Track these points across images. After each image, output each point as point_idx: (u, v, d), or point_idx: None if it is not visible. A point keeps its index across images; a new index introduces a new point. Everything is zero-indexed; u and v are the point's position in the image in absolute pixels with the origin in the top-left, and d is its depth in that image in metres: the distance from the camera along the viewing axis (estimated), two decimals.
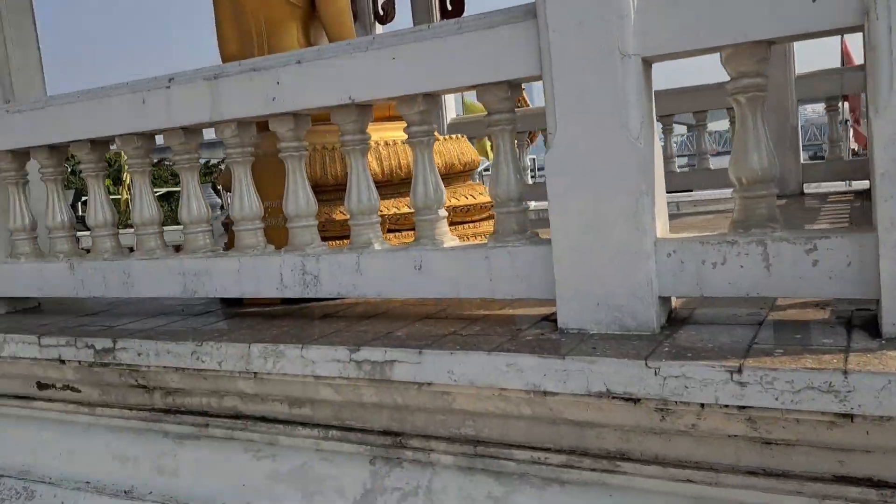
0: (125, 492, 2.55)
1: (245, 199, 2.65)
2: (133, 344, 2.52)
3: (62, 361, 2.71)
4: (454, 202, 2.97)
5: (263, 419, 2.51)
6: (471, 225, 3.12)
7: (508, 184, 2.16)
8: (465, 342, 2.00)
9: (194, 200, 2.77)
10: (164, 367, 2.49)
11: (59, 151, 3.09)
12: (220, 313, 2.91)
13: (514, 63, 2.05)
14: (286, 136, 2.52)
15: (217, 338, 2.40)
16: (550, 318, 2.19)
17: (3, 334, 2.82)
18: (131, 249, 3.03)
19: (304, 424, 2.43)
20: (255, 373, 2.30)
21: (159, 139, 2.92)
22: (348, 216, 2.50)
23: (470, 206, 3.06)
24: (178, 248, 2.93)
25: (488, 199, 3.21)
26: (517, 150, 2.21)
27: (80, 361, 2.67)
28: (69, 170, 4.05)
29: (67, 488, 2.65)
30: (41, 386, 3.03)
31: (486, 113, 2.21)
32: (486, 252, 2.15)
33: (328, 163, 3.02)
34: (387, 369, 2.04)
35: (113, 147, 3.04)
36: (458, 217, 3.03)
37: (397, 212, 3.00)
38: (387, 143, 3.04)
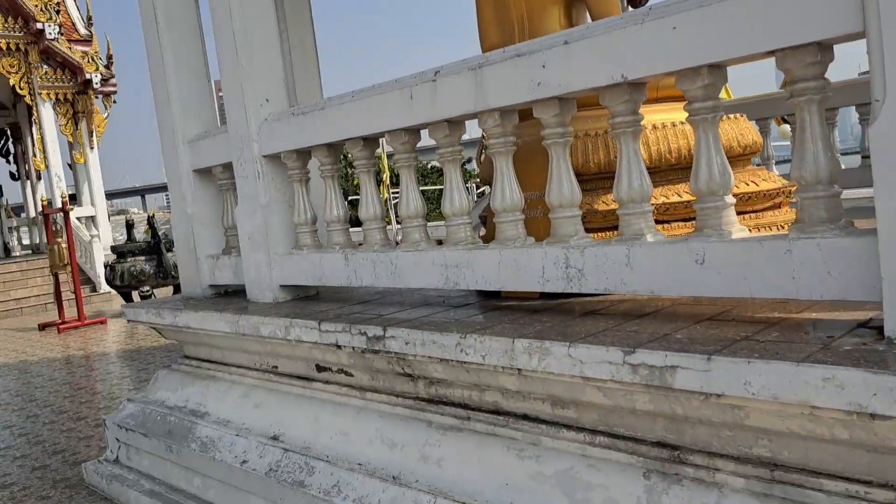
0: (393, 477, 2.62)
1: (507, 191, 2.59)
2: (401, 333, 2.58)
3: (338, 346, 2.87)
4: (734, 189, 2.63)
5: (525, 417, 2.43)
6: (752, 216, 2.76)
7: (817, 163, 1.82)
8: (764, 350, 1.72)
9: (456, 193, 2.77)
10: (429, 357, 2.51)
11: (335, 149, 3.29)
12: (479, 305, 2.88)
13: (827, 19, 1.71)
14: (551, 122, 2.40)
15: (480, 330, 2.36)
16: (870, 325, 1.82)
17: (289, 319, 3.06)
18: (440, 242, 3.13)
19: (568, 427, 2.30)
20: (518, 369, 2.22)
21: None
22: (613, 205, 2.33)
23: (752, 193, 2.71)
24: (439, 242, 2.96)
25: (773, 185, 2.82)
26: (826, 126, 1.86)
27: (353, 347, 2.80)
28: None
29: (342, 468, 2.80)
30: (319, 368, 3.26)
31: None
32: (787, 244, 1.83)
33: (590, 150, 2.85)
34: (667, 375, 1.83)
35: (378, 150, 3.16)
36: (738, 206, 2.69)
37: (666, 201, 2.75)
38: (655, 127, 2.80)
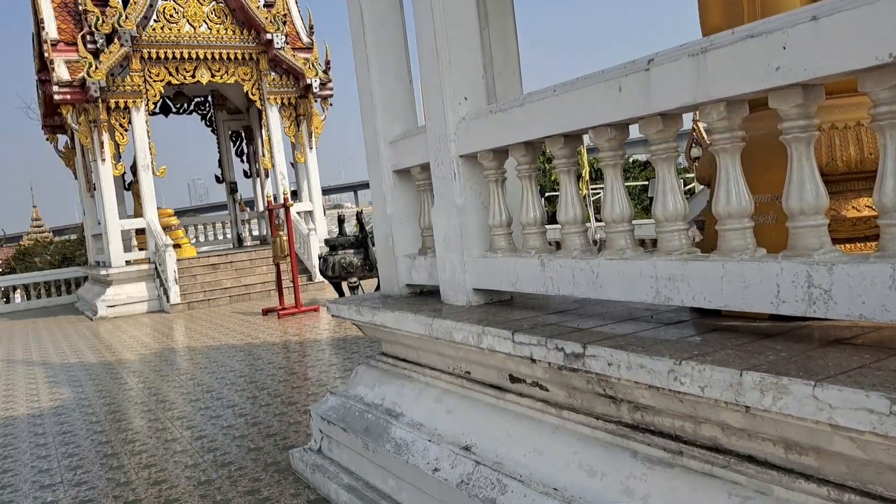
0: None
1: (733, 193, 2.24)
2: (603, 352, 2.33)
3: (533, 360, 2.68)
4: None
5: (751, 459, 2.08)
6: None
7: None
8: None
9: (670, 195, 2.46)
10: (636, 382, 2.23)
11: (533, 148, 3.11)
12: (694, 324, 2.54)
13: None
14: (791, 114, 2.02)
15: (699, 357, 2.04)
16: None
17: (482, 327, 2.93)
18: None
19: (807, 477, 1.92)
20: (746, 406, 1.88)
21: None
22: (867, 212, 1.90)
23: None
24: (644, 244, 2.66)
25: None
26: None
27: (549, 363, 2.60)
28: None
29: (536, 490, 2.61)
30: (513, 379, 3.10)
31: None
32: None
33: (838, 145, 2.40)
34: None
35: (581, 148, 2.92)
36: None
37: None
38: None
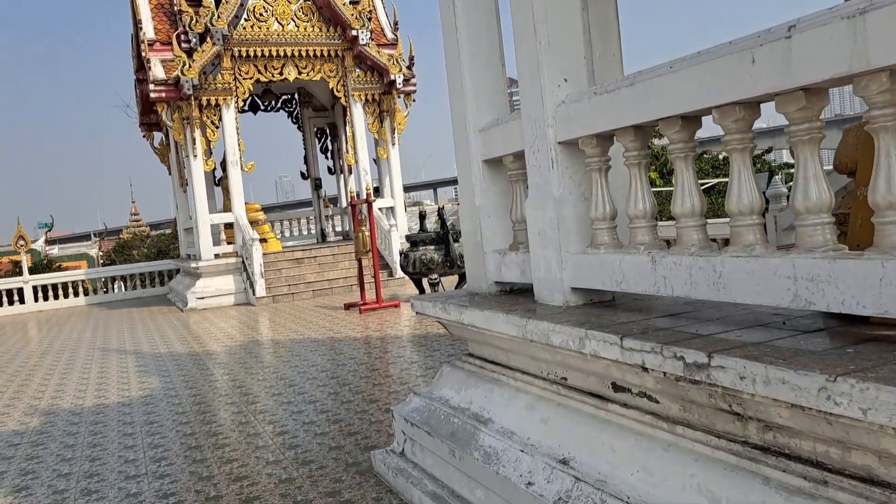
0: None
1: (895, 180, 1.88)
2: (733, 364, 2.01)
3: (644, 369, 2.38)
4: None
5: None
6: None
7: None
8: None
9: (813, 183, 2.11)
10: (774, 399, 1.91)
11: (643, 133, 2.80)
12: (839, 334, 2.19)
13: None
14: None
15: (858, 374, 1.71)
16: None
17: (584, 330, 2.65)
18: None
19: None
20: None
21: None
22: None
23: None
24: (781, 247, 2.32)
25: None
26: None
27: (664, 373, 2.30)
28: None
29: None
30: (616, 388, 2.81)
31: None
32: None
33: None
34: None
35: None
36: None
37: None
38: None
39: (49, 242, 41.80)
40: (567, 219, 3.17)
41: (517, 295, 3.78)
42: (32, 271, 23.02)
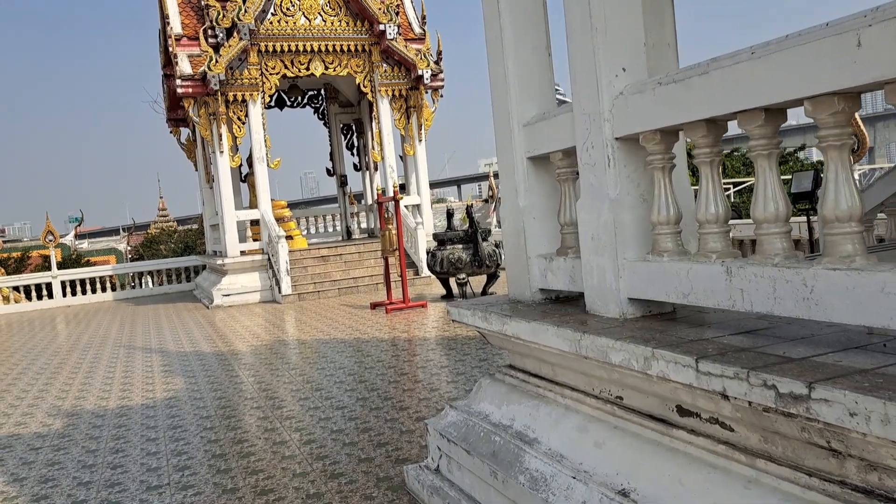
0: None
1: None
2: (841, 397, 1.72)
3: (725, 397, 2.09)
4: None
5: None
6: None
7: None
8: None
9: None
10: (894, 441, 1.62)
11: (717, 127, 2.50)
12: None
13: None
14: None
15: None
16: None
17: (650, 349, 2.36)
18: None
19: None
20: None
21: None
22: None
23: None
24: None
25: None
26: None
27: (749, 402, 2.01)
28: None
29: None
30: (682, 412, 2.52)
31: None
32: None
33: None
34: None
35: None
36: None
37: None
38: None
39: (79, 237, 42.27)
40: (624, 223, 2.88)
41: (564, 304, 3.50)
42: (62, 266, 23.19)
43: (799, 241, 10.50)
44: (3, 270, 22.18)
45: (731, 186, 20.64)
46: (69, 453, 5.46)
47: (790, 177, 11.49)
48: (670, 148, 2.75)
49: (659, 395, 2.58)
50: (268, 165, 17.05)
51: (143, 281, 22.59)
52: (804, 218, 9.69)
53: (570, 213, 3.37)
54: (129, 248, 38.63)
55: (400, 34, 17.46)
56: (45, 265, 23.41)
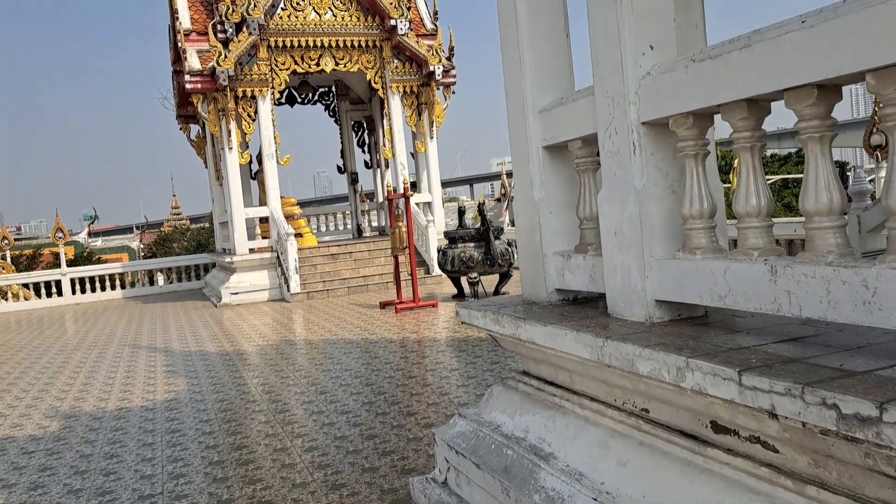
0: None
1: None
2: None
3: (773, 416, 1.81)
4: None
5: None
6: None
7: None
8: None
9: None
10: None
11: (759, 108, 2.22)
12: None
13: None
14: None
15: None
16: None
17: (685, 358, 2.09)
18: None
19: None
20: None
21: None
22: None
23: None
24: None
25: None
26: None
27: (804, 423, 1.72)
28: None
29: None
30: (717, 428, 2.24)
31: None
32: None
33: None
34: None
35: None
36: None
37: None
38: None
39: (92, 234, 42.33)
40: (651, 216, 2.60)
41: (583, 306, 3.22)
42: (74, 263, 23.12)
43: None
44: (13, 268, 22.14)
45: None
46: (63, 458, 5.24)
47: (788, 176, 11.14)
48: (704, 133, 2.47)
49: (691, 408, 2.30)
50: (277, 162, 16.84)
51: (153, 279, 22.47)
52: None
53: (590, 207, 3.09)
54: (141, 245, 38.63)
55: (411, 29, 17.19)
56: (56, 263, 23.36)
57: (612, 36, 2.65)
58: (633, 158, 2.63)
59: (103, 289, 21.09)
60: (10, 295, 20.26)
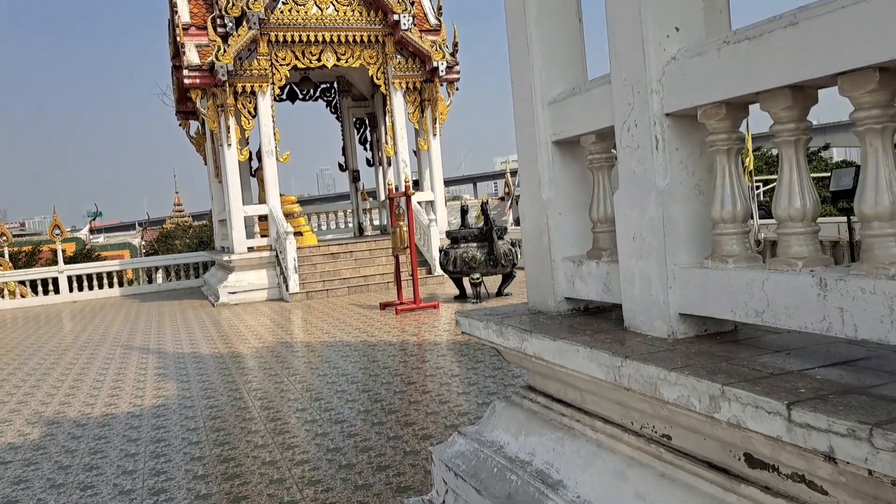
0: None
1: None
2: None
3: (831, 459, 1.52)
4: None
5: None
6: None
7: None
8: None
9: None
10: None
11: (804, 96, 1.93)
12: None
13: None
14: None
15: None
16: None
17: (720, 385, 1.79)
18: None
19: None
20: None
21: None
22: None
23: None
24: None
25: None
26: None
27: (871, 472, 1.43)
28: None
29: None
30: (752, 462, 1.95)
31: None
32: None
33: None
34: None
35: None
36: None
37: None
38: None
39: (95, 231, 42.10)
40: (675, 219, 2.31)
41: (596, 317, 2.93)
42: (74, 260, 22.87)
43: (837, 242, 9.82)
44: (10, 265, 21.90)
45: (760, 185, 19.91)
46: (40, 469, 4.96)
47: (829, 174, 10.80)
48: (737, 125, 2.18)
49: (722, 439, 2.01)
50: (277, 159, 16.56)
51: (152, 276, 22.21)
52: (844, 218, 9.03)
53: (604, 208, 2.80)
54: (143, 242, 38.40)
55: (415, 25, 16.89)
56: (55, 260, 23.13)
57: (632, 16, 2.36)
58: (656, 154, 2.34)
59: (101, 286, 20.83)
60: (6, 292, 20.02)
